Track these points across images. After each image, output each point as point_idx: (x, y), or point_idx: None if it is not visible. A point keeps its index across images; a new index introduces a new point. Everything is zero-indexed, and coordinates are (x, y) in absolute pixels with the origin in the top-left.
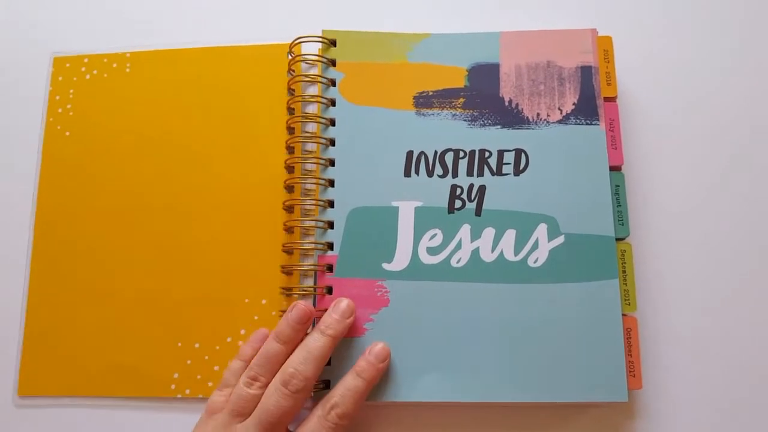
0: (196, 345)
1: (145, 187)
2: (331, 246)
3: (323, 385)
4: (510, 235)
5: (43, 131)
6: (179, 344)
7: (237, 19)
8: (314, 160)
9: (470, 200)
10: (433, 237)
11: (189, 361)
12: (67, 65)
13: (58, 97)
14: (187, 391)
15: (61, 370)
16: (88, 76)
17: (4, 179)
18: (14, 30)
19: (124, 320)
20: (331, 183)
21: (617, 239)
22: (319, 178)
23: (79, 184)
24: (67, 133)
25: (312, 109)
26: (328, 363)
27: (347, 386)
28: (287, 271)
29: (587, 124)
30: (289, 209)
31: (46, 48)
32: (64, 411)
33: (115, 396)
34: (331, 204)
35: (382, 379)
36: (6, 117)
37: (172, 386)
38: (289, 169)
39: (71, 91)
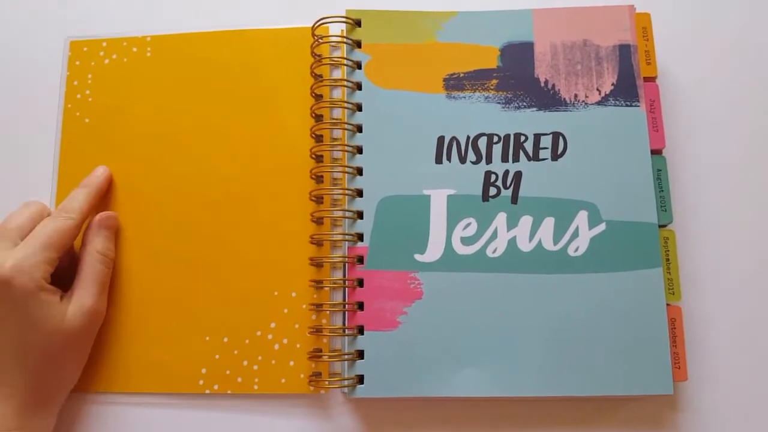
0: (225, 339)
1: (167, 176)
2: (361, 237)
3: (357, 379)
4: (548, 224)
5: (61, 118)
6: (207, 338)
7: (259, 1)
8: (341, 148)
9: (506, 187)
10: (468, 226)
11: (217, 356)
12: (85, 49)
13: (76, 83)
14: (216, 387)
15: (86, 366)
16: (107, 61)
17: (23, 167)
18: (28, 14)
19: (149, 314)
20: (359, 171)
21: (660, 226)
22: (347, 166)
23: None
24: (87, 120)
25: (337, 93)
26: (361, 357)
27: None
28: (316, 263)
29: (627, 105)
30: (318, 199)
31: (62, 32)
32: (88, 407)
33: (140, 392)
34: (360, 193)
35: (417, 374)
36: (23, 104)
37: (200, 382)
38: (317, 157)
39: (90, 76)
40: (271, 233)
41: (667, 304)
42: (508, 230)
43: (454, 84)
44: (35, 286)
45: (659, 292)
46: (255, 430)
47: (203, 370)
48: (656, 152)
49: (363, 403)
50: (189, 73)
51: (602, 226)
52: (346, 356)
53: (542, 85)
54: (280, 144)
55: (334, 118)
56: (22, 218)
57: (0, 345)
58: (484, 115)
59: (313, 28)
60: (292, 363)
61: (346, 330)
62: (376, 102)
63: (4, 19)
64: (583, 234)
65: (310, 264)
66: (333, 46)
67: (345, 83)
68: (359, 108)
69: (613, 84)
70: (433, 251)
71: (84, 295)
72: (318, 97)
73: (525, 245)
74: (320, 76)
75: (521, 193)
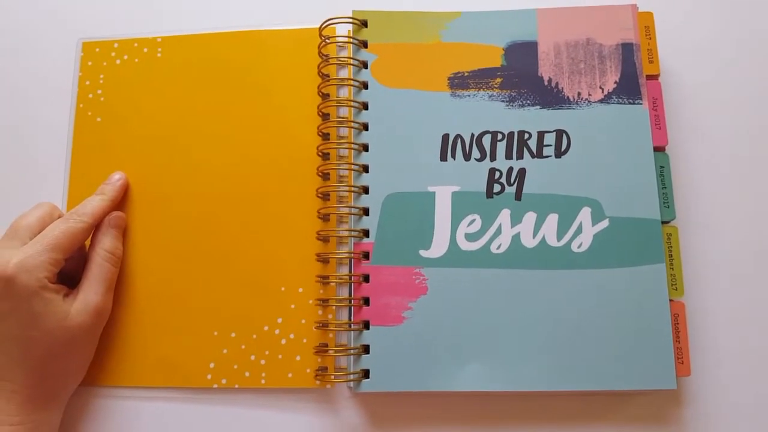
0: (233, 334)
1: (176, 174)
2: (366, 233)
3: (363, 374)
4: (552, 220)
5: (73, 117)
6: (215, 333)
7: (268, 3)
8: (347, 146)
9: (510, 184)
10: (472, 222)
11: (225, 351)
12: (97, 50)
13: (88, 83)
14: (224, 381)
15: (94, 361)
16: (118, 61)
17: (35, 166)
18: (41, 15)
19: (158, 309)
20: (365, 168)
21: (663, 222)
22: (353, 164)
23: (111, 171)
24: (99, 119)
25: (344, 92)
26: (367, 351)
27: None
28: (323, 259)
29: (630, 103)
30: (324, 196)
31: (73, 33)
32: (96, 401)
33: (148, 386)
34: (366, 190)
35: (422, 368)
36: (36, 103)
37: (208, 376)
38: (324, 155)
39: (101, 76)
40: (278, 230)
41: (670, 300)
42: (512, 226)
43: (459, 83)
44: (38, 285)
45: (662, 288)
46: (262, 424)
47: (211, 365)
48: (659, 149)
49: (368, 397)
50: (198, 73)
51: (605, 223)
52: (351, 351)
53: (546, 83)
54: (287, 142)
55: (340, 117)
56: (32, 218)
57: (2, 341)
58: (488, 113)
59: (320, 29)
60: (298, 358)
61: (352, 325)
62: (382, 101)
63: (17, 19)
64: (586, 230)
65: (316, 260)
66: (340, 46)
67: (351, 82)
68: (365, 107)
69: (616, 82)
70: (438, 247)
71: (90, 293)
72: (325, 96)
73: (529, 241)
74: (327, 75)
75: (525, 189)
